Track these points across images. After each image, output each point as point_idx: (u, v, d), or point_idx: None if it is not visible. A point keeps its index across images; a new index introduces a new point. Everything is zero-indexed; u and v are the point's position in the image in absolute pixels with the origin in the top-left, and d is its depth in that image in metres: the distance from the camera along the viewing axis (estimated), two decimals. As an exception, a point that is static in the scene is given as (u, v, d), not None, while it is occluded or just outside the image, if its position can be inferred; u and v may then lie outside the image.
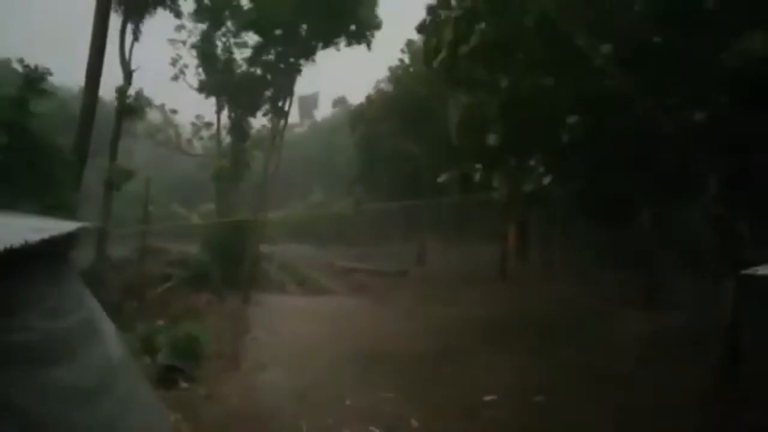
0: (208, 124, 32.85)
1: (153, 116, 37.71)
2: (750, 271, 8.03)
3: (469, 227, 31.95)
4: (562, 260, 25.37)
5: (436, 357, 14.03)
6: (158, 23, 25.60)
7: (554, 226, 26.90)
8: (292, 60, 27.82)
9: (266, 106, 29.04)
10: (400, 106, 32.07)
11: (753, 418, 9.48)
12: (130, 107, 21.07)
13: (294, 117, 49.62)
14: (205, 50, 28.57)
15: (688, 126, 11.79)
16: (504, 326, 17.04)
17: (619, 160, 13.18)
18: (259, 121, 30.36)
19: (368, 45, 28.25)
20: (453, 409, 10.63)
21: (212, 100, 29.95)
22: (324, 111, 63.41)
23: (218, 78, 28.79)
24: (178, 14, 26.57)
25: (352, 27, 27.64)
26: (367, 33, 27.99)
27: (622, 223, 16.89)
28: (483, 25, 13.53)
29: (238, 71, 28.87)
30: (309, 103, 60.15)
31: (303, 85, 35.88)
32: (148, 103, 23.48)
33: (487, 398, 11.05)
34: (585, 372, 12.46)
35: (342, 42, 28.15)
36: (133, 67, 22.81)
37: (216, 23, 28.24)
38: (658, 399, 10.72)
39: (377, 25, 28.15)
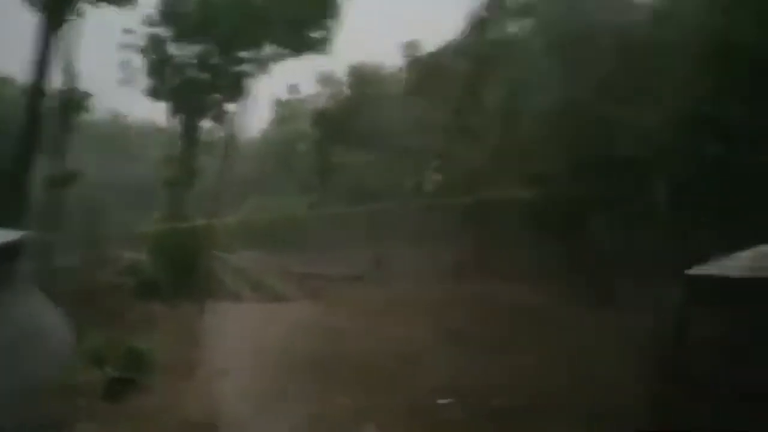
0: (160, 129, 32.28)
1: (103, 122, 36.78)
2: (694, 270, 8.39)
3: (428, 231, 32.16)
4: (517, 262, 25.79)
5: (392, 361, 14.04)
6: (109, 27, 25.02)
7: (511, 229, 27.33)
8: (243, 64, 27.59)
9: (215, 111, 28.74)
10: (355, 111, 32.12)
11: (699, 412, 9.84)
12: (73, 104, 20.33)
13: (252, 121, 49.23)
14: (154, 55, 28.04)
15: (639, 134, 12.24)
16: (459, 329, 17.19)
17: (572, 165, 13.55)
18: (212, 126, 29.95)
19: (328, 52, 28.20)
20: (409, 413, 10.66)
21: (163, 105, 29.44)
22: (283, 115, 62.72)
23: (167, 83, 28.30)
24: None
25: (314, 35, 27.54)
26: (328, 42, 27.87)
27: (574, 234, 17.31)
28: None
29: (187, 76, 28.45)
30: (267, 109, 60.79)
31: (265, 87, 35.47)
32: (87, 96, 22.53)
33: (443, 401, 11.13)
34: (539, 372, 12.70)
35: (303, 50, 28.08)
36: (77, 69, 21.99)
37: (166, 27, 27.75)
38: (610, 396, 11.00)
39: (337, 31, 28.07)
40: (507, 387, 11.81)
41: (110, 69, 28.52)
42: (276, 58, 28.42)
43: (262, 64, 27.92)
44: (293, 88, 43.51)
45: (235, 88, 28.09)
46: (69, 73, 21.93)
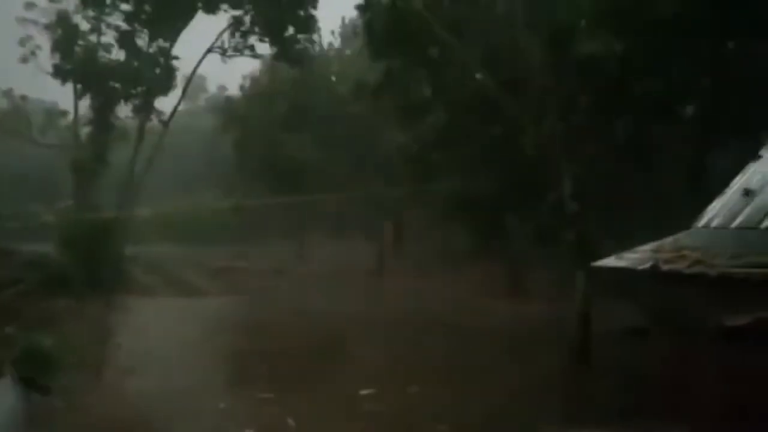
0: (64, 113, 30.26)
1: (-1, 101, 34.04)
2: (599, 263, 8.85)
3: (349, 224, 32.25)
4: (435, 254, 26.39)
5: (311, 353, 14.04)
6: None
7: (428, 220, 27.90)
8: (166, 45, 26.35)
9: (135, 99, 27.21)
10: (277, 101, 31.60)
11: (602, 398, 10.49)
12: None
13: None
14: (62, 32, 26.22)
15: (547, 132, 12.81)
16: (375, 320, 17.39)
17: (482, 161, 13.98)
18: (125, 112, 28.29)
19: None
20: (331, 404, 10.68)
21: (69, 86, 27.52)
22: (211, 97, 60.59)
23: (77, 63, 26.49)
24: None
25: None
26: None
27: (489, 229, 17.87)
28: None
29: (102, 57, 26.82)
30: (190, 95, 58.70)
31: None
32: None
33: (364, 392, 11.24)
34: (451, 360, 13.10)
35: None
36: None
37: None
38: (517, 382, 11.51)
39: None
40: (423, 375, 12.10)
41: (10, 45, 26.53)
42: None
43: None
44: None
45: (159, 73, 26.69)
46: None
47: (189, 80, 29.37)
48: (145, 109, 27.21)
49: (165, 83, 27.40)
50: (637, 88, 11.42)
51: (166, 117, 28.32)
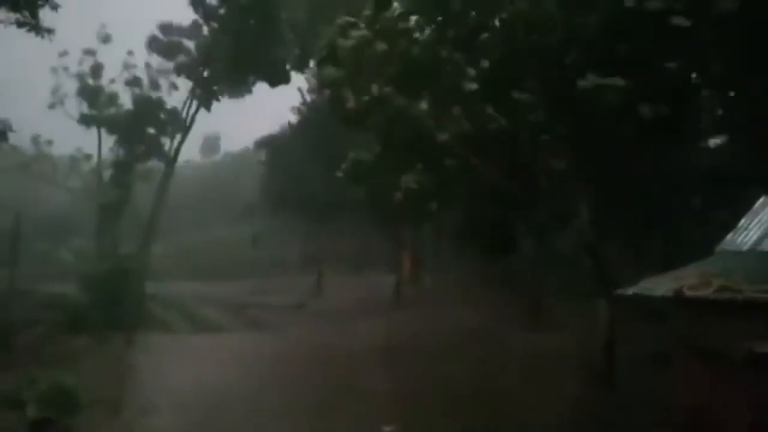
0: (88, 156, 31.33)
1: (26, 147, 35.18)
2: (622, 290, 8.71)
3: (367, 256, 32.18)
4: (454, 284, 26.16)
5: (330, 390, 13.85)
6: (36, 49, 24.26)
7: (446, 251, 27.73)
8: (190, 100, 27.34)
9: (155, 142, 28.13)
10: (301, 135, 32.10)
11: (628, 424, 10.19)
12: None
13: (194, 154, 49.07)
14: (91, 81, 27.59)
15: (561, 161, 12.76)
16: (397, 353, 17.14)
17: (496, 189, 13.89)
18: (148, 155, 29.15)
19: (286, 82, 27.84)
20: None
21: (93, 131, 28.69)
22: (229, 148, 62.84)
23: (103, 110, 27.72)
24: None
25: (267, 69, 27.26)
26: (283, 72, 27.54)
27: (502, 252, 17.70)
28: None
29: (127, 106, 28.06)
30: (211, 142, 61.30)
31: (207, 121, 35.23)
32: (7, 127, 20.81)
33: (387, 429, 11.04)
34: (478, 390, 12.86)
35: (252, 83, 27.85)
36: None
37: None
38: (542, 413, 11.24)
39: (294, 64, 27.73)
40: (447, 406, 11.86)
41: (39, 92, 28.24)
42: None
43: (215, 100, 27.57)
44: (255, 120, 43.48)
45: (179, 122, 27.61)
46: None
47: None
48: (166, 153, 27.99)
49: (183, 128, 28.15)
50: (650, 114, 11.35)
51: (191, 161, 29.33)
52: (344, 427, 11.23)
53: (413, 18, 14.05)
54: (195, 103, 27.21)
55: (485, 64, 13.20)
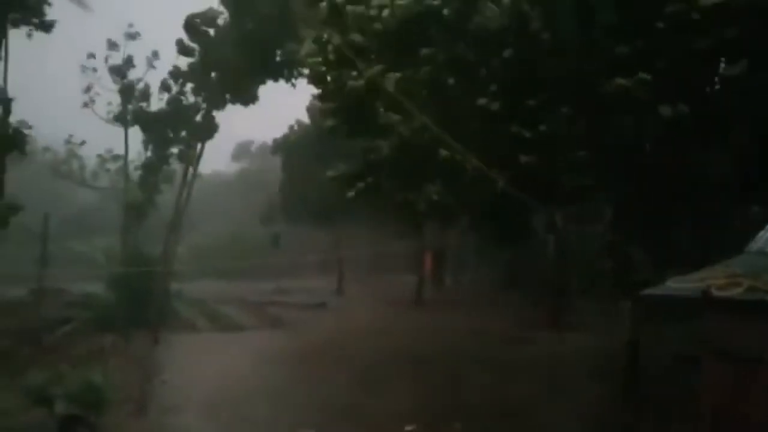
0: (116, 156, 31.85)
1: (58, 148, 35.99)
2: (648, 291, 8.58)
3: (388, 256, 32.24)
4: (475, 284, 26.08)
5: (353, 389, 13.87)
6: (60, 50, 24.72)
7: (467, 251, 27.66)
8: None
9: (181, 144, 28.47)
10: (315, 134, 32.22)
11: (655, 427, 10.04)
12: (7, 139, 19.18)
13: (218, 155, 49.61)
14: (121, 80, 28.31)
15: (584, 157, 12.58)
16: (418, 353, 17.13)
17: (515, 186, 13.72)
18: (175, 156, 29.52)
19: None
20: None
21: (120, 131, 29.21)
22: (255, 150, 63.32)
23: (133, 110, 28.22)
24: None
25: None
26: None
27: (519, 243, 17.50)
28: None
29: (157, 107, 28.58)
30: (237, 144, 61.52)
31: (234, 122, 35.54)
32: (27, 126, 20.83)
33: (408, 428, 11.05)
34: (502, 393, 12.79)
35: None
36: (10, 94, 19.92)
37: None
38: (565, 416, 11.13)
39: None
40: (470, 410, 11.82)
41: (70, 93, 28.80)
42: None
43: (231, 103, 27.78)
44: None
45: (206, 123, 27.87)
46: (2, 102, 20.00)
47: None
48: (191, 154, 28.28)
49: (208, 130, 28.37)
50: (673, 114, 11.15)
51: (210, 159, 29.61)
52: (369, 424, 11.25)
53: None
54: (221, 105, 27.41)
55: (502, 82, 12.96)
